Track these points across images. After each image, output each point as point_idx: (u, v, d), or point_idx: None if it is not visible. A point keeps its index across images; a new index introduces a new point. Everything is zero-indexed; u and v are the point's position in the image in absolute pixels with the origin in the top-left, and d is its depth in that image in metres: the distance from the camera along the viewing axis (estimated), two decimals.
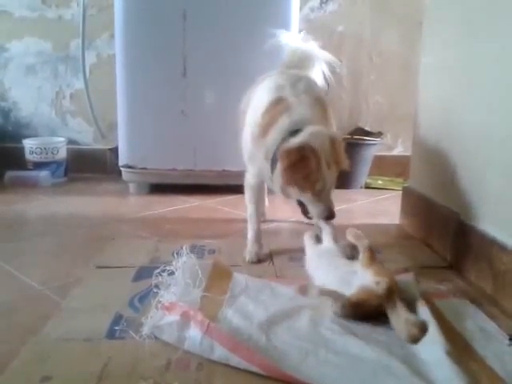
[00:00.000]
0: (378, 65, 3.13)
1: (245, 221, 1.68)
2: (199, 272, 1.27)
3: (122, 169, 2.62)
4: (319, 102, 1.52)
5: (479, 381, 0.91)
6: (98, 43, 3.06)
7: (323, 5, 3.03)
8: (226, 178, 2.48)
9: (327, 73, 1.88)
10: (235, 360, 0.95)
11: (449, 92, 1.71)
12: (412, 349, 1.02)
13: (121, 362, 0.96)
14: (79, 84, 3.06)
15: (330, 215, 1.38)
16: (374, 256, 1.20)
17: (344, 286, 1.15)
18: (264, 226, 1.95)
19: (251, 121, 1.52)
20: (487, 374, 0.94)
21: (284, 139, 1.34)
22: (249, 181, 1.64)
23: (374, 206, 2.50)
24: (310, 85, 1.58)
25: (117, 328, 1.09)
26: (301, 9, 2.65)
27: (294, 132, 1.34)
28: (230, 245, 1.71)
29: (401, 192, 2.16)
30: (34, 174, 2.87)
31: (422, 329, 1.01)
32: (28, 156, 2.96)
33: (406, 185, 2.17)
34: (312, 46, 1.84)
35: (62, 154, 3.01)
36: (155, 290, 1.23)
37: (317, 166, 1.29)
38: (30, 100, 3.17)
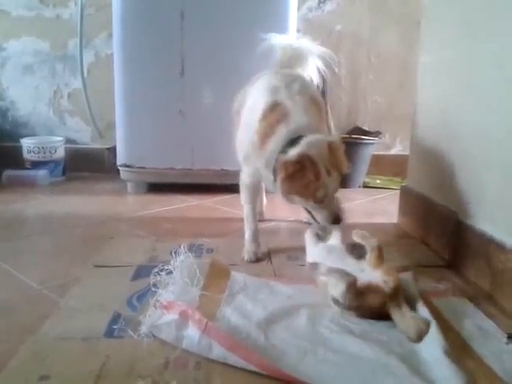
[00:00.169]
0: (377, 64, 3.13)
1: (243, 220, 1.68)
2: (197, 271, 1.27)
3: (119, 168, 2.62)
4: (314, 102, 1.53)
5: (477, 379, 0.91)
6: (95, 42, 3.06)
7: (321, 4, 3.03)
8: (223, 178, 2.48)
9: (322, 67, 1.87)
10: (233, 359, 0.95)
11: (447, 92, 1.71)
12: (410, 347, 1.02)
13: (119, 361, 0.96)
14: (77, 83, 3.06)
15: (335, 220, 1.37)
16: (383, 255, 1.20)
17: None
18: (262, 225, 1.96)
19: (248, 124, 1.50)
20: (485, 373, 0.94)
21: (283, 149, 1.34)
22: (244, 180, 1.64)
23: (372, 205, 2.50)
24: (305, 85, 1.58)
25: (115, 327, 1.09)
26: (299, 8, 2.66)
27: (293, 141, 1.34)
28: (228, 244, 1.71)
29: (399, 191, 2.17)
30: (31, 173, 2.87)
31: (428, 325, 1.04)
32: (26, 155, 2.95)
33: (403, 184, 2.17)
34: (303, 42, 1.83)
35: (60, 153, 3.00)
36: (153, 289, 1.23)
37: (315, 176, 1.29)
38: (28, 99, 3.16)
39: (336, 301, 1.15)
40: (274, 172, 1.37)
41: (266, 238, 1.73)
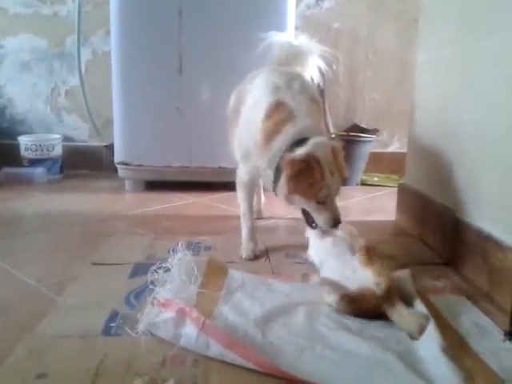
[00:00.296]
0: (375, 62, 3.13)
1: (240, 218, 1.68)
2: (195, 269, 1.27)
3: (117, 166, 2.62)
4: (314, 101, 1.53)
5: (475, 377, 0.91)
6: (93, 40, 3.05)
7: (319, 2, 3.03)
8: (221, 175, 2.48)
9: (323, 66, 1.86)
10: (231, 356, 0.95)
11: (445, 90, 1.71)
12: (408, 345, 1.02)
13: (117, 359, 0.96)
14: (74, 81, 3.06)
15: (335, 223, 1.37)
16: (372, 255, 1.20)
17: (344, 282, 1.16)
18: (260, 223, 1.96)
19: (249, 123, 1.50)
20: (482, 370, 0.95)
21: (288, 149, 1.35)
22: (242, 178, 1.63)
23: (370, 203, 2.50)
24: (304, 84, 1.57)
25: (113, 325, 1.09)
26: (297, 5, 2.66)
27: (298, 141, 1.35)
28: (225, 242, 1.71)
29: (396, 189, 2.17)
30: (29, 170, 2.87)
31: (428, 319, 1.06)
32: (23, 153, 2.95)
33: (401, 182, 2.17)
34: (303, 41, 1.82)
35: (58, 150, 3.00)
36: (151, 287, 1.23)
37: (320, 175, 1.30)
38: (25, 97, 3.16)
39: (330, 306, 1.16)
40: (277, 171, 1.38)
41: (263, 235, 1.73)
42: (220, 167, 2.50)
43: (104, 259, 1.52)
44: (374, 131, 2.95)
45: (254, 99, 1.52)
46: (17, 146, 2.96)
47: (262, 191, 2.11)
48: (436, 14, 1.81)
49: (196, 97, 2.46)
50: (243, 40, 2.34)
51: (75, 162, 3.10)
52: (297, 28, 2.56)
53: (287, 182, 1.32)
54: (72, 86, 3.11)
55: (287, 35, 1.88)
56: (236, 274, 1.38)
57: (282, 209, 2.10)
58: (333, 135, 2.65)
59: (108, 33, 2.64)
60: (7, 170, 2.83)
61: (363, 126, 3.08)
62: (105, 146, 3.05)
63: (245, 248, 1.59)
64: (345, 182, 1.42)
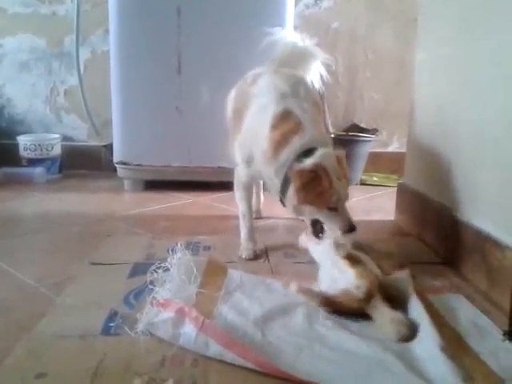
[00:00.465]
0: (373, 62, 3.13)
1: (239, 217, 1.68)
2: (194, 269, 1.27)
3: (116, 165, 2.62)
4: (316, 105, 1.54)
5: (474, 376, 0.91)
6: (92, 39, 3.05)
7: (318, 1, 3.03)
8: (220, 175, 2.47)
9: (325, 74, 1.87)
10: (230, 356, 0.95)
11: (444, 89, 1.71)
12: (407, 344, 1.02)
13: (116, 359, 0.96)
14: (73, 80, 3.06)
15: (350, 228, 1.38)
16: (354, 259, 1.22)
17: (333, 285, 1.17)
18: (259, 223, 1.96)
19: (254, 129, 1.48)
20: (481, 370, 0.95)
21: (295, 159, 1.36)
22: (242, 179, 1.63)
23: (369, 203, 2.50)
24: (307, 89, 1.57)
25: (112, 325, 1.09)
26: (296, 5, 2.65)
27: (305, 152, 1.36)
28: (225, 241, 1.71)
29: (396, 189, 2.17)
30: (28, 170, 2.86)
31: (409, 326, 1.05)
32: (22, 152, 2.95)
33: (400, 181, 2.17)
34: (307, 43, 1.82)
35: (57, 150, 3.00)
36: (150, 287, 1.23)
37: (329, 183, 1.32)
38: (24, 96, 3.15)
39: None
40: (285, 181, 1.38)
41: (263, 235, 1.74)
42: (219, 167, 2.50)
43: (103, 259, 1.52)
44: (374, 131, 2.96)
45: (259, 106, 1.50)
46: (16, 146, 2.96)
47: (262, 191, 2.11)
48: (434, 14, 1.82)
49: (195, 96, 2.46)
50: (242, 39, 2.34)
51: (74, 161, 3.10)
52: (295, 28, 2.56)
53: (297, 193, 1.33)
54: (71, 85, 3.11)
55: (293, 34, 1.87)
56: (235, 274, 1.38)
57: (281, 209, 2.11)
58: (332, 135, 2.65)
59: (107, 32, 2.64)
60: (6, 169, 2.83)
61: (362, 125, 3.08)
62: (104, 146, 3.05)
63: (245, 248, 1.59)
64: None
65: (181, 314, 1.07)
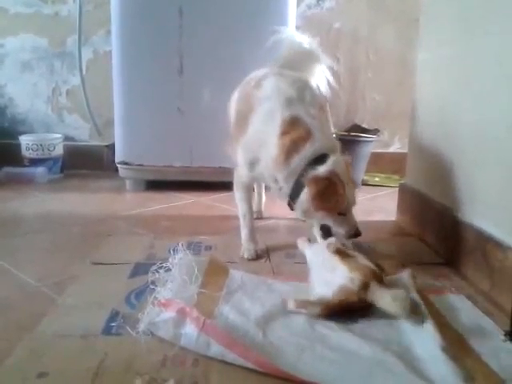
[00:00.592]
0: (375, 62, 3.13)
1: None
2: (195, 269, 1.27)
3: (118, 165, 2.62)
4: (321, 108, 1.53)
5: (475, 377, 0.91)
6: (94, 39, 3.05)
7: (320, 1, 3.03)
8: (222, 175, 2.47)
9: (330, 79, 1.87)
10: (231, 356, 0.95)
11: (446, 89, 1.71)
12: (408, 345, 1.02)
13: (117, 359, 0.96)
14: (75, 80, 3.07)
15: (356, 233, 1.42)
16: (345, 255, 1.23)
17: (327, 286, 1.17)
18: (261, 223, 1.96)
19: (261, 133, 1.47)
20: (483, 371, 0.94)
21: (308, 166, 1.36)
22: (243, 180, 1.62)
23: (371, 203, 2.50)
24: (313, 93, 1.56)
25: (113, 324, 1.09)
26: (298, 5, 2.66)
27: (317, 159, 1.37)
28: (226, 241, 1.71)
29: (397, 189, 2.17)
30: (30, 170, 2.87)
31: (406, 297, 1.10)
32: (24, 152, 2.95)
33: (402, 182, 2.17)
34: (314, 46, 1.82)
35: (59, 150, 3.00)
36: (151, 287, 1.23)
37: (343, 190, 1.35)
38: (26, 96, 3.16)
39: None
40: (296, 187, 1.39)
41: (264, 235, 1.73)
42: (220, 167, 2.50)
43: (104, 259, 1.52)
44: (375, 131, 2.95)
45: (265, 111, 1.48)
46: (18, 146, 2.96)
47: (263, 191, 2.11)
48: (436, 14, 1.81)
49: (197, 97, 2.46)
50: (244, 40, 2.35)
51: (76, 161, 3.10)
52: (297, 28, 2.56)
53: (312, 200, 1.34)
54: (73, 85, 3.12)
55: (300, 36, 1.86)
56: (236, 274, 1.38)
57: (282, 209, 2.10)
58: (334, 135, 2.65)
59: (109, 32, 2.64)
60: (8, 169, 2.84)
61: (364, 126, 3.08)
62: (106, 146, 3.05)
63: (246, 248, 1.58)
64: None
65: (182, 314, 1.07)
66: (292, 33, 1.82)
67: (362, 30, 3.08)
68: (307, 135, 1.39)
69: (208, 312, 1.11)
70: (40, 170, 2.84)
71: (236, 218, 1.68)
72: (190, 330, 1.03)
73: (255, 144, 1.49)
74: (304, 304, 1.16)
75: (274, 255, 1.60)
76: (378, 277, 1.16)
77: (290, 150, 1.38)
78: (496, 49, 1.37)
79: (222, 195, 2.50)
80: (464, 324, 1.13)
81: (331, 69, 1.86)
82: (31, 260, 1.58)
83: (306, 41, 1.83)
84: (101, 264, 1.48)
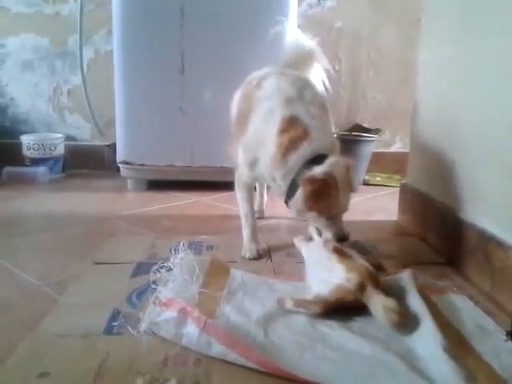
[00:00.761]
0: (376, 61, 3.13)
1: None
2: (197, 268, 1.27)
3: (119, 165, 2.62)
4: (322, 107, 1.52)
5: (476, 377, 0.91)
6: (95, 39, 3.06)
7: (321, 1, 3.03)
8: (223, 175, 2.47)
9: (326, 81, 1.87)
10: (233, 356, 0.95)
11: (447, 89, 1.71)
12: (409, 344, 1.02)
13: (118, 358, 0.96)
14: (77, 80, 3.07)
15: (343, 237, 1.41)
16: (342, 254, 1.23)
17: (325, 285, 1.17)
18: (262, 223, 1.96)
19: (261, 133, 1.47)
20: (484, 370, 0.94)
21: (305, 166, 1.36)
22: (244, 179, 1.62)
23: (372, 203, 2.50)
24: (314, 92, 1.55)
25: (115, 324, 1.09)
26: (299, 5, 2.66)
27: (314, 159, 1.36)
28: (227, 241, 1.71)
29: (399, 189, 2.17)
30: (31, 170, 2.87)
31: (401, 314, 1.06)
32: (26, 152, 2.96)
33: (403, 181, 2.17)
34: (315, 47, 1.81)
35: (60, 150, 3.00)
36: (153, 286, 1.23)
37: (336, 194, 1.34)
38: (28, 96, 3.16)
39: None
40: (292, 186, 1.39)
41: (265, 235, 1.73)
42: (222, 167, 2.50)
43: (106, 258, 1.52)
44: (377, 131, 2.95)
45: (265, 110, 1.48)
46: (19, 145, 2.97)
47: (265, 191, 2.11)
48: (438, 14, 1.81)
49: (198, 97, 2.46)
50: (245, 39, 2.34)
51: (77, 161, 3.10)
52: (299, 27, 2.56)
53: (305, 201, 1.34)
54: (74, 85, 3.12)
55: (302, 36, 1.85)
56: (238, 274, 1.38)
57: (283, 208, 2.10)
58: (335, 135, 2.65)
59: (110, 32, 2.64)
60: (9, 169, 2.84)
61: (365, 125, 3.08)
62: (107, 146, 3.05)
63: (248, 248, 1.58)
64: None
65: (183, 314, 1.07)
66: (296, 33, 1.81)
67: (364, 29, 3.08)
68: (305, 134, 1.38)
69: (209, 312, 1.11)
70: (41, 170, 2.85)
71: (237, 217, 1.68)
72: (191, 329, 1.03)
73: (255, 143, 1.49)
74: (302, 303, 1.16)
75: (275, 255, 1.60)
76: (375, 277, 1.16)
77: (287, 149, 1.38)
78: (497, 49, 1.37)
79: (223, 195, 2.51)
80: (465, 324, 1.13)
81: (332, 68, 1.85)
82: (33, 259, 1.58)
83: (307, 41, 1.82)
84: (102, 263, 1.48)
